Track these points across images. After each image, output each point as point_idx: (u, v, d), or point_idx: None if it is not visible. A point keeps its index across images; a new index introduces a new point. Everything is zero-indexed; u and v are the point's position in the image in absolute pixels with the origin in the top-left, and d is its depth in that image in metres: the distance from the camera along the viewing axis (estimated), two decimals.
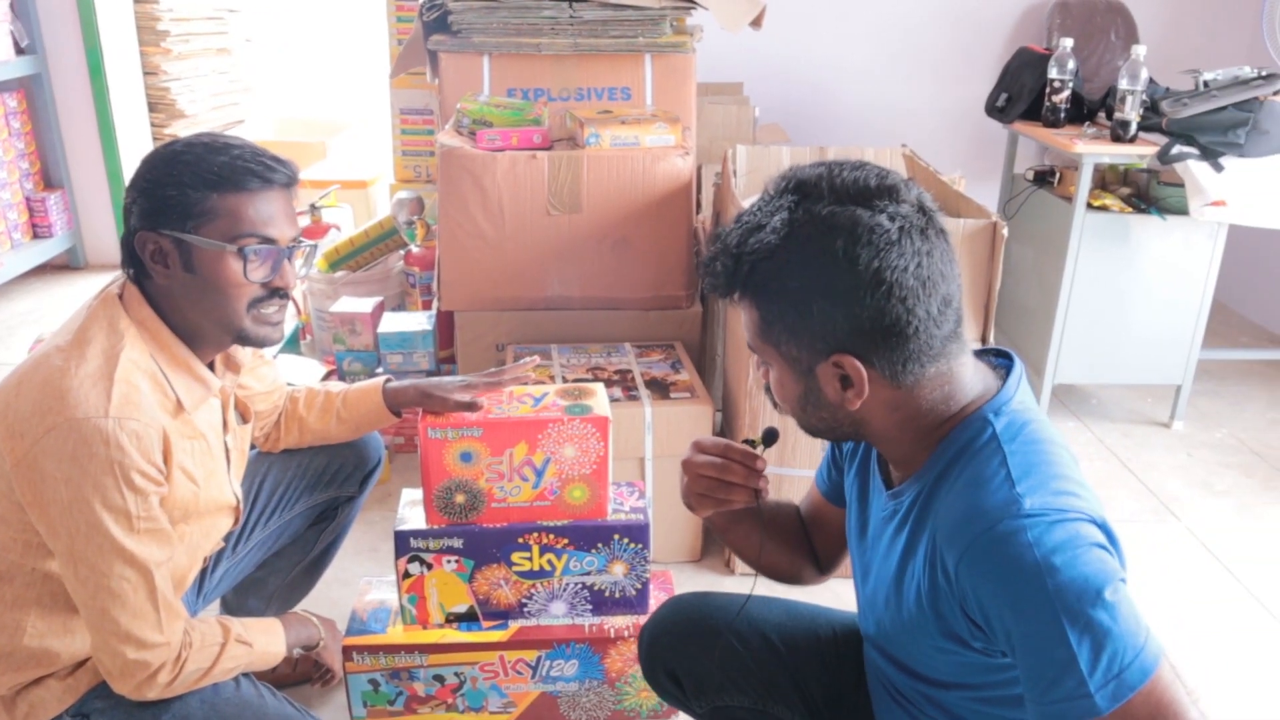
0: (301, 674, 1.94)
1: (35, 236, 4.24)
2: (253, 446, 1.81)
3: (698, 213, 2.75)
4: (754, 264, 1.04)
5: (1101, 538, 0.97)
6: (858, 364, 1.03)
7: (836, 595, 2.30)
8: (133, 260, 1.43)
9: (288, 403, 1.83)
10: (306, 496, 1.85)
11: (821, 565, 1.47)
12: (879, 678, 1.29)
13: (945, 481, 1.06)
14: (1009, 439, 1.04)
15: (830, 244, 1.00)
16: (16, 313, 3.98)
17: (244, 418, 1.67)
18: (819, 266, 1.01)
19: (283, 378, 1.84)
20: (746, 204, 1.12)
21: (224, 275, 1.40)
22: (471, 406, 1.68)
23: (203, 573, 1.73)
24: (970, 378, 1.09)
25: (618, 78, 2.71)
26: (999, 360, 1.15)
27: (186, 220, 1.37)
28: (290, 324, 3.30)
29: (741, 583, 2.34)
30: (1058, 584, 0.93)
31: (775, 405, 1.17)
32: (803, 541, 1.46)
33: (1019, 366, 1.13)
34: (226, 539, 1.71)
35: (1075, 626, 0.92)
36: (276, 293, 1.46)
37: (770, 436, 1.26)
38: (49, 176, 4.32)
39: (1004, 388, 1.09)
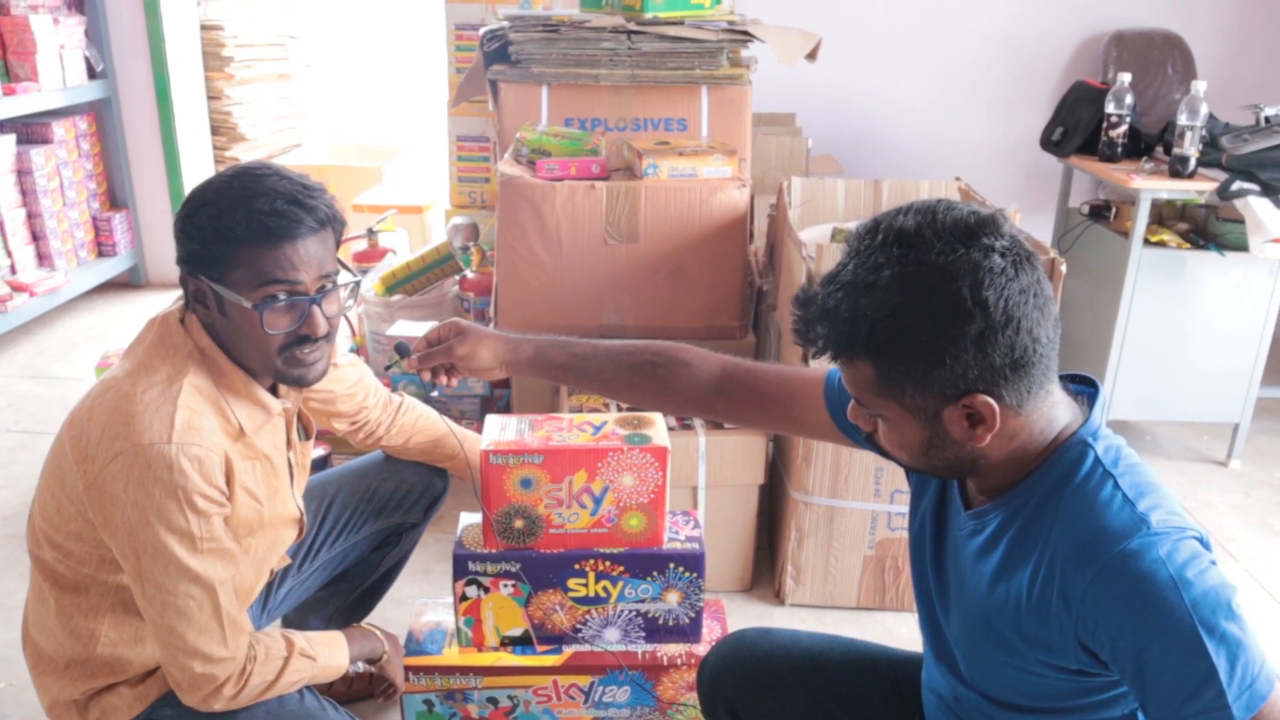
0: (358, 691, 1.97)
1: (100, 255, 4.37)
2: (322, 466, 1.84)
3: (750, 243, 2.77)
4: (874, 324, 1.00)
5: (1210, 554, 1.01)
6: (990, 401, 1.02)
7: (887, 629, 2.29)
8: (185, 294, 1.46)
9: (405, 416, 1.88)
10: (372, 521, 1.89)
11: (697, 407, 1.50)
12: (943, 705, 1.28)
13: (1052, 506, 1.06)
14: (1112, 463, 1.06)
15: (956, 292, 0.97)
16: (80, 329, 4.09)
17: (307, 432, 1.70)
18: (948, 316, 0.98)
19: (368, 376, 1.83)
20: (829, 252, 1.11)
21: (250, 325, 1.40)
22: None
23: (268, 589, 1.77)
24: (1062, 401, 1.10)
25: (674, 109, 2.74)
26: (1075, 386, 1.16)
27: (213, 269, 1.38)
28: (345, 344, 3.35)
29: (793, 613, 2.34)
30: (1194, 598, 0.95)
31: (882, 453, 1.15)
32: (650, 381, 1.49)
33: (1102, 392, 1.13)
34: (293, 553, 1.75)
35: (1213, 638, 0.94)
36: (308, 338, 1.43)
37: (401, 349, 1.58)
38: (114, 197, 4.45)
39: (1093, 413, 1.10)
